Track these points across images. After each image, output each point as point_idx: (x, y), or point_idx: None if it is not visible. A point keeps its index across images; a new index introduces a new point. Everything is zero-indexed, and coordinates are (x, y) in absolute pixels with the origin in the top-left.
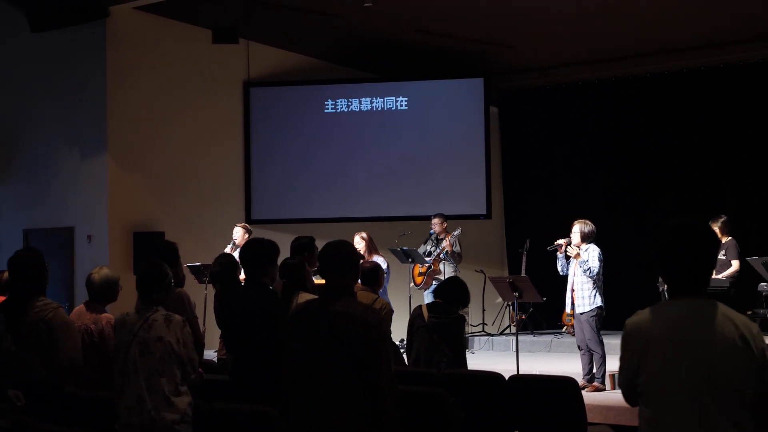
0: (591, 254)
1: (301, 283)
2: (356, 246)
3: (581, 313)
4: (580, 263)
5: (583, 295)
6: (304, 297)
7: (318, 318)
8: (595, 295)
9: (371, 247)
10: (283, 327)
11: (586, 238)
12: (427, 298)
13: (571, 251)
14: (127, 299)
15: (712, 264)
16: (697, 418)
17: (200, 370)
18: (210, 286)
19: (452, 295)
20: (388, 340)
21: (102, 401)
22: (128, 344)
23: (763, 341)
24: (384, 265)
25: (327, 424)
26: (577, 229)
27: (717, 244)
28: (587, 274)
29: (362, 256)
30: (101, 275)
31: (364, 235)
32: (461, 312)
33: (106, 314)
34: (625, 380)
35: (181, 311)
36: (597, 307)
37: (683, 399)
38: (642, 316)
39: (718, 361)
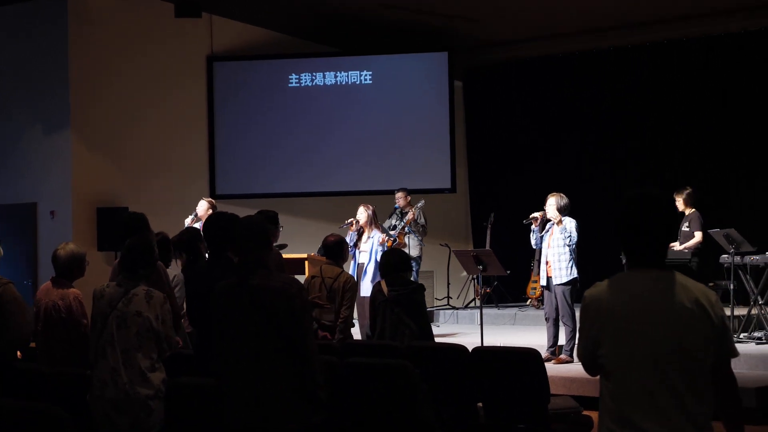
0: (569, 225)
1: None
2: (359, 216)
3: (557, 285)
4: (561, 230)
5: (560, 266)
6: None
7: (239, 293)
8: (571, 267)
9: (373, 220)
10: (211, 304)
11: (562, 210)
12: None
13: (554, 218)
14: (94, 275)
15: (669, 235)
16: (660, 386)
17: (179, 339)
18: (176, 261)
19: (396, 263)
20: (309, 308)
21: (67, 376)
22: (106, 316)
23: (721, 309)
24: (379, 239)
25: (257, 393)
26: (553, 201)
27: (675, 216)
28: (568, 242)
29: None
30: (67, 251)
31: (370, 207)
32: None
33: (74, 290)
34: (584, 351)
35: (158, 284)
36: (573, 279)
37: (646, 369)
38: (600, 287)
39: (676, 330)
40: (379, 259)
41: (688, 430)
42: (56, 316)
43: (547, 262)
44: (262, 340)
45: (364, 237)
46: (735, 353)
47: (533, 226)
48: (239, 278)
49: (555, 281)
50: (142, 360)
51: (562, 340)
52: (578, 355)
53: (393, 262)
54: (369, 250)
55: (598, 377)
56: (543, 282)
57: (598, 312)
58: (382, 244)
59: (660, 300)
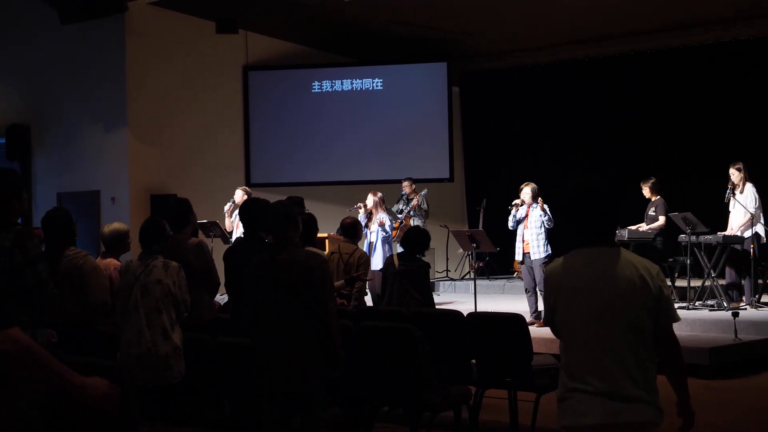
0: (546, 208)
1: (309, 238)
2: (367, 201)
3: (534, 260)
4: (540, 214)
5: (538, 244)
6: (311, 250)
7: (269, 267)
8: (546, 244)
9: (379, 204)
10: (245, 277)
11: (536, 197)
12: (400, 249)
13: (540, 202)
14: None
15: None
16: (602, 347)
17: (218, 302)
18: (216, 239)
19: (416, 240)
20: (329, 278)
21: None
22: (131, 287)
23: (661, 280)
24: (387, 221)
25: (285, 354)
26: (528, 190)
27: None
28: (548, 223)
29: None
30: (110, 229)
31: (377, 194)
32: (424, 258)
33: (115, 261)
34: (546, 316)
35: (202, 258)
36: (549, 254)
37: (590, 332)
38: (557, 263)
39: (619, 298)
40: (381, 237)
41: (626, 385)
42: None
43: (524, 240)
44: (289, 308)
45: (373, 219)
46: (675, 318)
47: (514, 211)
48: (269, 254)
49: (533, 257)
50: (162, 322)
51: (542, 305)
52: (543, 321)
53: (413, 239)
54: (377, 230)
55: None
56: (518, 257)
57: (552, 284)
58: (381, 225)
59: (602, 272)
